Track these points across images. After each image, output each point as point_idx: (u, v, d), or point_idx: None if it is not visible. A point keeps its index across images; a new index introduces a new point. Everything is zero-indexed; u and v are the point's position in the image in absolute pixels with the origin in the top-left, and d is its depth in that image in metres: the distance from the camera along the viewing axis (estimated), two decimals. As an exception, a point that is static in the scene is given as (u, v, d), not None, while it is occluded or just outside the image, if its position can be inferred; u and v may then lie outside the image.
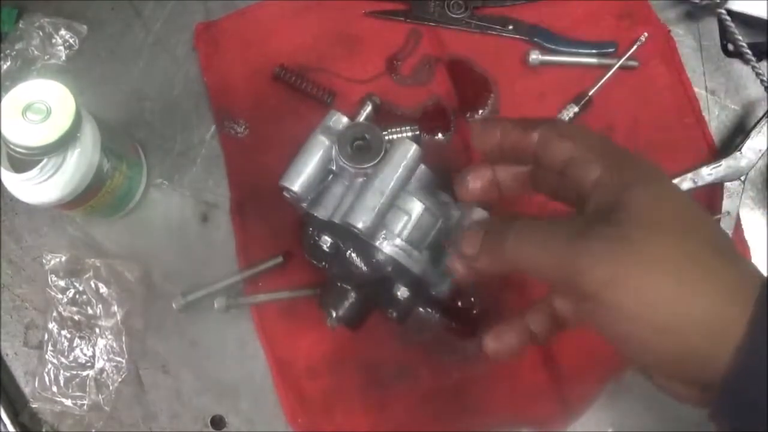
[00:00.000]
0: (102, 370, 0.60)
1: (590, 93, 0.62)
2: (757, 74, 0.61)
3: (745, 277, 0.34)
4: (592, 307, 0.34)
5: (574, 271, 0.34)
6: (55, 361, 0.60)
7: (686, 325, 0.33)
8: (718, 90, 0.64)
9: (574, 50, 0.63)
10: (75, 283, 0.61)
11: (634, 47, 0.62)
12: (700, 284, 0.33)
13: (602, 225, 0.35)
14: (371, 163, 0.49)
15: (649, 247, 0.33)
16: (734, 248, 0.36)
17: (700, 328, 0.33)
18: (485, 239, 0.39)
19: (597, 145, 0.38)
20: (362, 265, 0.51)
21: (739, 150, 0.59)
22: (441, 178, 0.53)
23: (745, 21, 0.63)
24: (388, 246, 0.50)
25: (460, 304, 0.59)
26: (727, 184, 0.59)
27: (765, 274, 0.35)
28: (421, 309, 0.59)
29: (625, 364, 0.36)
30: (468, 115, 0.63)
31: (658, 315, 0.33)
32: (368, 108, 0.61)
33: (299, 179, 0.51)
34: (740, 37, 0.61)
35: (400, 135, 0.61)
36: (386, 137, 0.54)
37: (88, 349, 0.60)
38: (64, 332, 0.60)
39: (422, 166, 0.51)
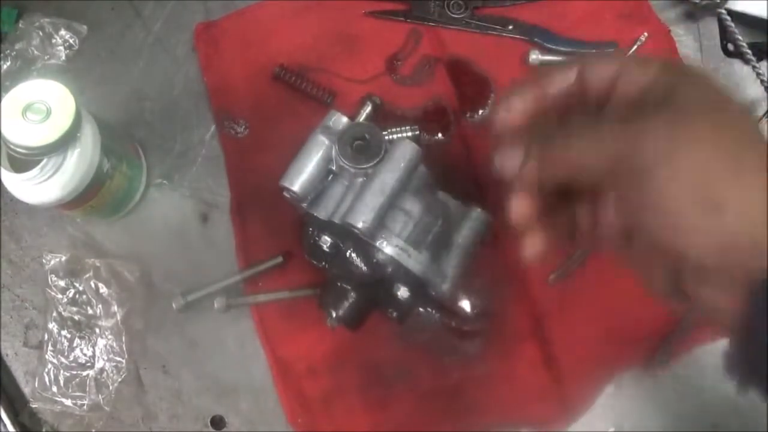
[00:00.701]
0: (102, 370, 0.60)
1: (590, 93, 0.62)
2: (757, 74, 0.61)
3: None
4: (644, 190, 0.33)
5: (630, 149, 0.34)
6: (55, 361, 0.60)
7: (740, 206, 0.32)
8: (718, 90, 0.64)
9: (574, 50, 0.63)
10: (75, 283, 0.61)
11: (634, 47, 0.62)
12: (758, 167, 0.32)
13: (657, 109, 0.34)
14: (371, 163, 0.49)
15: (707, 125, 0.33)
16: None
17: (753, 212, 0.32)
18: (532, 145, 0.38)
19: (640, 58, 0.38)
20: (362, 265, 0.51)
21: (739, 150, 0.59)
22: (441, 178, 0.54)
23: (745, 21, 0.63)
24: (388, 246, 0.50)
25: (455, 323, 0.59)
26: (727, 184, 0.59)
27: None
28: (421, 309, 0.59)
29: (667, 254, 0.34)
30: (468, 115, 0.63)
31: (713, 192, 0.32)
32: (368, 108, 0.61)
33: (299, 179, 0.51)
34: (740, 37, 0.61)
35: (400, 135, 0.61)
36: (386, 137, 0.54)
37: (88, 349, 0.60)
38: (64, 332, 0.60)
39: (422, 166, 0.51)
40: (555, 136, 0.37)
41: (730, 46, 0.64)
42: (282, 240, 0.61)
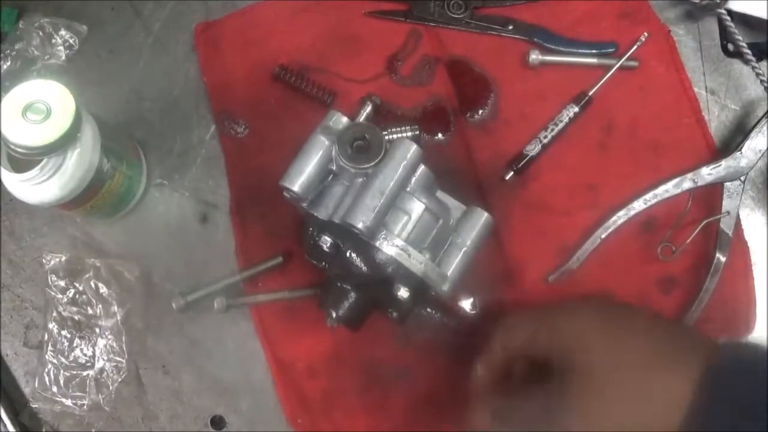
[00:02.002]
0: (102, 370, 0.60)
1: (590, 93, 0.62)
2: (757, 74, 0.61)
3: (677, 386, 0.40)
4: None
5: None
6: (55, 361, 0.60)
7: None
8: (718, 90, 0.64)
9: (574, 50, 0.63)
10: (75, 283, 0.61)
11: (634, 47, 0.62)
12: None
13: (566, 396, 0.43)
14: (371, 163, 0.49)
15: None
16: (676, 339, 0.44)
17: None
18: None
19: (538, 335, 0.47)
20: (362, 265, 0.51)
21: (739, 150, 0.59)
22: (441, 178, 0.54)
23: (745, 21, 0.63)
24: (388, 246, 0.50)
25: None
26: (727, 184, 0.59)
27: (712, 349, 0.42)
28: (421, 309, 0.59)
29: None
30: (468, 115, 0.63)
31: None
32: (368, 108, 0.61)
33: (299, 179, 0.51)
34: (740, 37, 0.61)
35: (400, 135, 0.61)
36: (386, 137, 0.54)
37: (88, 349, 0.60)
38: (64, 332, 0.60)
39: (422, 166, 0.51)
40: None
41: (730, 46, 0.64)
42: (282, 240, 0.61)
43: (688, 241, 0.59)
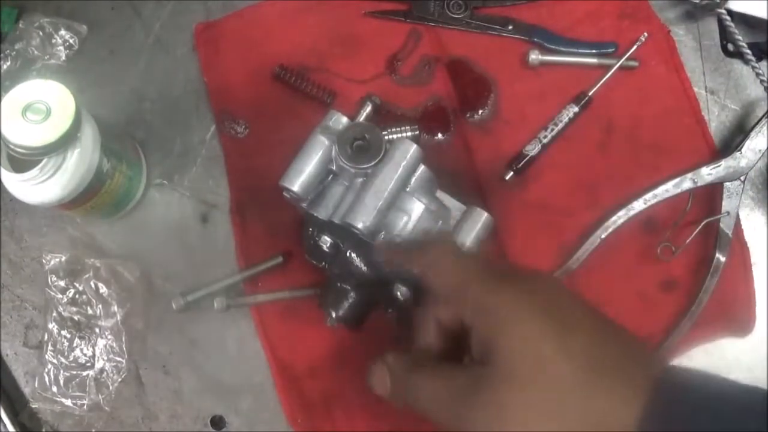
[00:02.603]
0: (102, 370, 0.60)
1: (590, 93, 0.62)
2: (757, 74, 0.61)
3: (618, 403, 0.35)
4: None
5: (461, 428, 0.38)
6: (55, 361, 0.60)
7: None
8: (718, 90, 0.64)
9: (574, 50, 0.63)
10: (75, 283, 0.61)
11: (634, 47, 0.62)
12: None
13: (479, 386, 0.37)
14: (371, 163, 0.49)
15: (519, 411, 0.36)
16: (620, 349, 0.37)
17: None
18: (391, 381, 0.43)
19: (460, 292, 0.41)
20: (362, 265, 0.51)
21: (739, 150, 0.59)
22: (441, 178, 0.54)
23: (745, 21, 0.63)
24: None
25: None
26: (727, 184, 0.59)
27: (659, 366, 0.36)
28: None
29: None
30: (468, 115, 0.63)
31: None
32: (368, 108, 0.61)
33: (299, 179, 0.51)
34: (740, 37, 0.61)
35: (400, 135, 0.61)
36: (386, 137, 0.54)
37: (88, 349, 0.60)
38: (64, 332, 0.60)
39: (422, 166, 0.51)
40: (408, 381, 0.43)
41: (730, 46, 0.64)
42: (282, 240, 0.61)
43: (688, 241, 0.59)
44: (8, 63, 0.64)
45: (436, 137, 0.63)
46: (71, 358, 0.60)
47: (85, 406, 0.59)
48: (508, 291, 0.39)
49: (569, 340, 0.36)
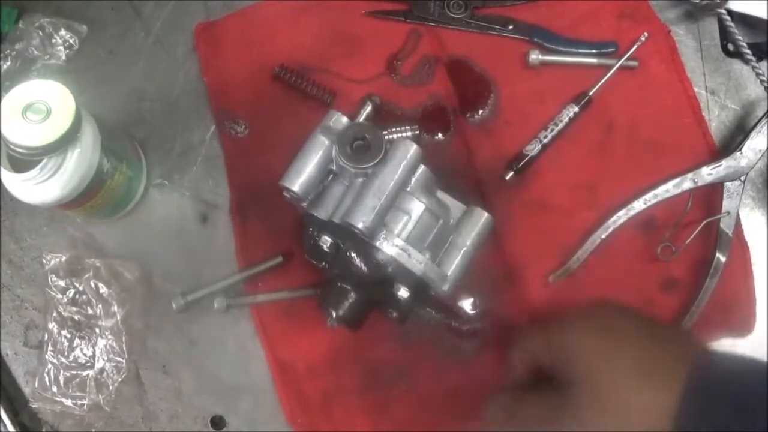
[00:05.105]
0: (102, 370, 0.60)
1: (590, 93, 0.62)
2: (757, 74, 0.61)
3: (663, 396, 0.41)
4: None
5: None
6: (55, 361, 0.60)
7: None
8: (718, 90, 0.64)
9: (574, 50, 0.63)
10: (75, 283, 0.61)
11: (634, 47, 0.62)
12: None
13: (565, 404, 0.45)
14: (371, 163, 0.49)
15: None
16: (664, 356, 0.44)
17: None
18: (503, 417, 0.51)
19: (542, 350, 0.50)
20: (362, 265, 0.51)
21: (739, 150, 0.59)
22: (441, 178, 0.54)
23: (745, 21, 0.63)
24: (388, 246, 0.50)
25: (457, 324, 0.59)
26: (727, 184, 0.59)
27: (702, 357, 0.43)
28: (421, 309, 0.59)
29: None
30: (468, 115, 0.63)
31: None
32: (368, 108, 0.61)
33: (299, 179, 0.51)
34: (740, 37, 0.61)
35: (400, 135, 0.61)
36: (386, 137, 0.54)
37: (88, 349, 0.60)
38: (64, 332, 0.60)
39: (422, 166, 0.51)
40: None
41: (730, 46, 0.64)
42: (282, 240, 0.61)
43: (688, 241, 0.59)
44: (8, 63, 0.64)
45: (436, 137, 0.63)
46: (71, 358, 0.60)
47: (85, 406, 0.59)
48: (575, 329, 0.48)
49: (622, 352, 0.45)
